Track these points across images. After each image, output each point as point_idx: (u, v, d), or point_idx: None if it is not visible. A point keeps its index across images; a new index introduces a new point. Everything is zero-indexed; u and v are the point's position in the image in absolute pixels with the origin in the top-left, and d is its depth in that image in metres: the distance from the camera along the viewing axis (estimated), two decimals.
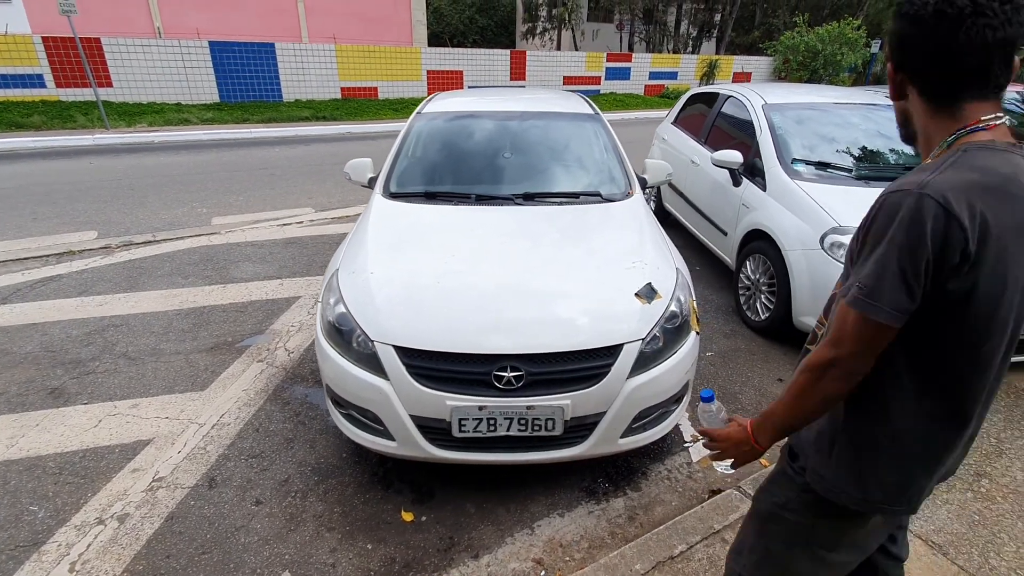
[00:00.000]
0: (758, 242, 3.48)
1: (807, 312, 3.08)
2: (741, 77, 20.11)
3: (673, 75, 19.12)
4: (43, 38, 10.90)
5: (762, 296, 3.47)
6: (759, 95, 4.08)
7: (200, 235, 5.29)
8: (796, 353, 3.33)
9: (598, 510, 2.15)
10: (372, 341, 1.99)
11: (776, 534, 1.18)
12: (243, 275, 4.39)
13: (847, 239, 2.90)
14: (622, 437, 2.04)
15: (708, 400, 1.22)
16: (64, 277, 4.30)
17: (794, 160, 3.52)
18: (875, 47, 18.26)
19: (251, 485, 2.28)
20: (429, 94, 15.46)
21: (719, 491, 2.17)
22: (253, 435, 2.58)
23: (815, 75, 17.29)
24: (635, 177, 3.08)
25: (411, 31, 19.30)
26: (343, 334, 2.10)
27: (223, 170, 7.92)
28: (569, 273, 2.20)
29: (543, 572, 1.90)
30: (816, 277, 3.00)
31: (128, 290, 4.09)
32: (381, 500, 2.21)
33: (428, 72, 15.32)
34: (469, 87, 15.90)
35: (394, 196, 2.92)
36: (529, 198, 2.82)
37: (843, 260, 2.70)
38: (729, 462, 1.18)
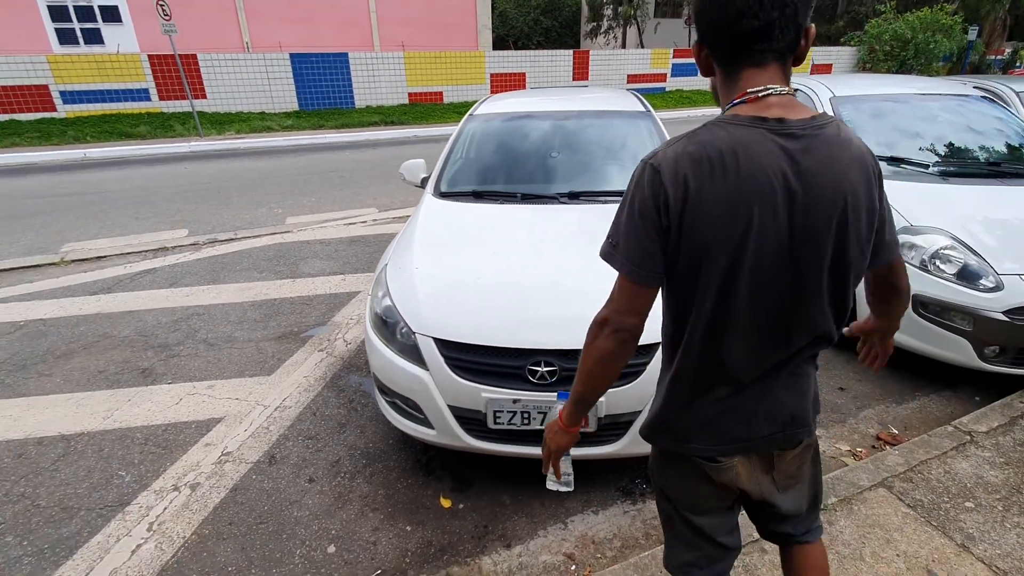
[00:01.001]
0: None
1: None
2: (820, 69, 18.90)
3: None
4: (149, 56, 12.10)
5: None
6: (827, 87, 3.85)
7: (275, 233, 5.69)
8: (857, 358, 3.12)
9: (633, 510, 2.14)
10: (414, 333, 2.09)
11: (657, 500, 1.31)
12: (311, 271, 4.69)
13: (920, 240, 2.69)
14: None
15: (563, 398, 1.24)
16: (159, 270, 4.77)
17: None
18: (972, 34, 16.59)
19: (306, 464, 2.45)
20: None
21: None
22: (310, 418, 2.77)
23: (904, 65, 15.96)
24: None
25: (476, 36, 19.68)
26: (388, 326, 2.22)
27: (298, 173, 8.46)
28: (609, 270, 2.19)
29: (574, 567, 1.92)
30: None
31: (211, 283, 4.48)
32: (422, 486, 2.31)
33: (492, 75, 15.56)
34: (532, 89, 16.01)
35: (444, 195, 3.02)
36: (574, 197, 2.83)
37: (915, 263, 2.54)
38: (559, 481, 1.31)
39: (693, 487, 1.18)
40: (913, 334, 2.73)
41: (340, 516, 2.16)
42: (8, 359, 3.35)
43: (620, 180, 2.97)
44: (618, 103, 3.54)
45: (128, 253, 5.22)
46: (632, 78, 16.96)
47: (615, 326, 1.04)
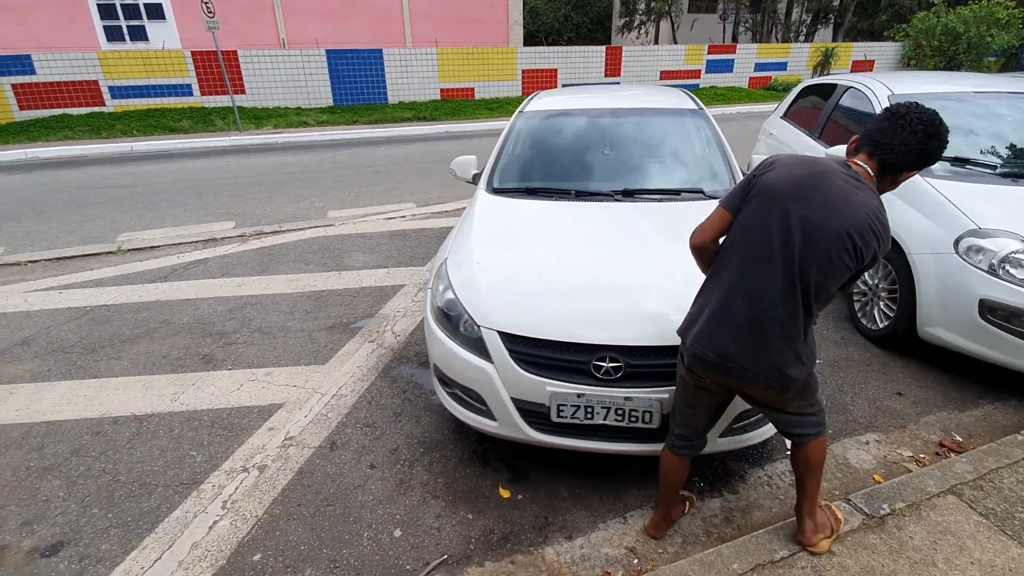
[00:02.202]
0: None
1: (936, 322, 2.82)
2: (861, 66, 18.36)
3: (782, 66, 17.88)
4: (192, 52, 12.44)
5: (880, 303, 3.22)
6: (884, 85, 3.76)
7: (318, 227, 5.81)
8: (918, 365, 3.07)
9: (693, 508, 2.15)
10: (478, 326, 2.14)
11: None
12: (355, 264, 4.79)
13: (988, 243, 2.62)
14: (721, 436, 2.02)
15: None
16: (209, 261, 4.94)
17: None
18: None
19: (366, 451, 2.52)
20: (524, 93, 15.83)
21: (825, 504, 2.08)
22: (366, 407, 2.84)
23: (953, 61, 15.39)
24: (740, 174, 2.99)
25: (507, 31, 19.67)
26: (451, 319, 2.26)
27: (335, 168, 8.61)
28: (669, 269, 2.20)
29: (636, 560, 1.94)
30: (948, 284, 2.74)
31: (260, 273, 4.62)
32: (480, 476, 2.36)
33: (523, 71, 15.55)
34: (563, 85, 15.93)
35: (497, 192, 3.06)
36: (628, 195, 2.84)
37: (983, 267, 2.48)
38: None
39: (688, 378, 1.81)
40: (979, 340, 2.66)
41: (403, 502, 2.22)
42: (78, 342, 3.52)
43: (675, 179, 2.97)
44: (670, 101, 3.53)
45: (180, 243, 5.41)
46: (665, 74, 16.75)
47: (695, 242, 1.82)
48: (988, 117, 3.39)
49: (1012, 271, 2.54)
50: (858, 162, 1.59)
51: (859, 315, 3.39)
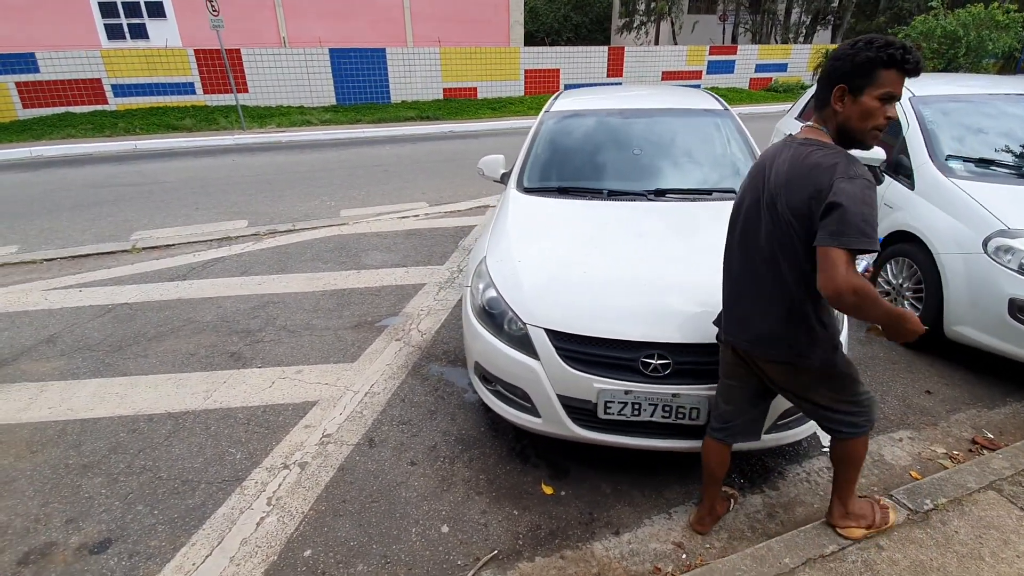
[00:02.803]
0: (902, 244, 3.27)
1: (963, 321, 2.87)
2: None
3: (782, 67, 17.99)
4: (195, 51, 12.40)
5: (905, 303, 3.26)
6: (906, 87, 3.80)
7: (332, 225, 5.82)
8: (944, 364, 3.12)
9: (736, 505, 2.17)
10: (524, 324, 2.16)
11: None
12: (373, 262, 4.80)
13: (1018, 243, 2.67)
14: (766, 433, 2.05)
15: None
16: (227, 259, 4.93)
17: (948, 157, 3.26)
18: None
19: (404, 448, 2.54)
20: (526, 94, 15.86)
21: (863, 496, 2.11)
22: (400, 405, 2.86)
23: (952, 64, 15.50)
24: None
25: (508, 31, 19.68)
26: (494, 316, 2.28)
27: (342, 167, 8.61)
28: (711, 266, 2.21)
29: (684, 555, 1.96)
30: (976, 283, 2.78)
31: (279, 272, 4.62)
32: (520, 472, 2.38)
33: (526, 71, 15.59)
34: (565, 85, 15.98)
35: (528, 191, 3.08)
36: (660, 194, 2.87)
37: (1013, 266, 2.52)
38: None
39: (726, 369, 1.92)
40: (1008, 339, 2.70)
41: (447, 498, 2.24)
42: (104, 340, 3.52)
43: (706, 178, 3.00)
44: (695, 101, 3.56)
45: (194, 242, 5.40)
46: (667, 75, 16.82)
47: None
48: (1011, 119, 3.43)
49: None
50: (808, 126, 1.61)
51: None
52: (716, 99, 3.62)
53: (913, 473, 2.32)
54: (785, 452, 2.43)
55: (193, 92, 12.68)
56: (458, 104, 14.60)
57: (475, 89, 15.32)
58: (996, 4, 15.16)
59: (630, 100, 3.67)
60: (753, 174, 1.72)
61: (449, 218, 6.02)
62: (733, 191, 2.86)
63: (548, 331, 2.10)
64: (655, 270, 2.27)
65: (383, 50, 14.25)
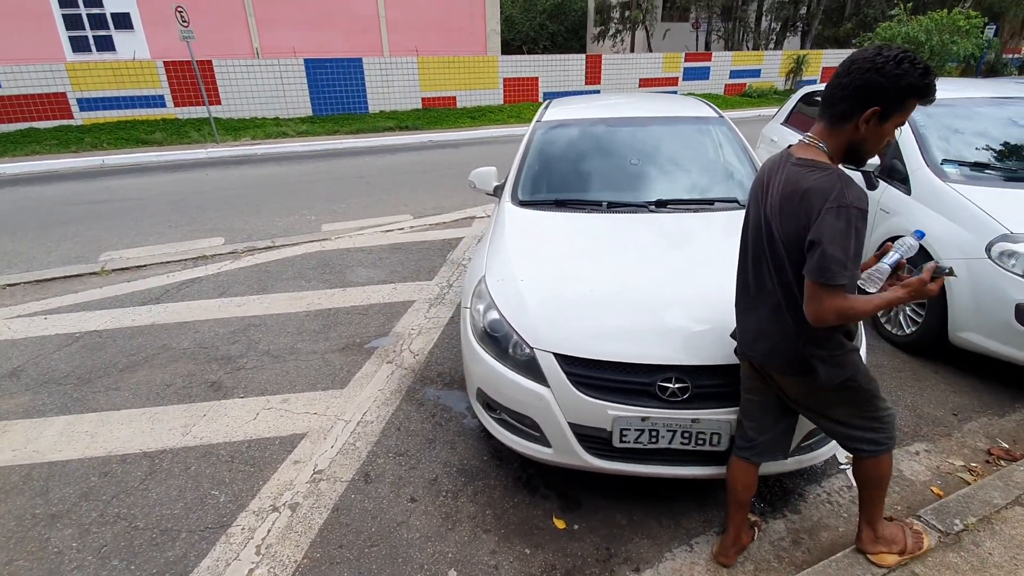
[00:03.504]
0: None
1: (969, 327, 2.83)
2: (831, 72, 18.83)
3: (756, 73, 18.31)
4: (164, 63, 12.05)
5: (906, 308, 3.23)
6: None
7: (313, 241, 5.62)
8: (949, 371, 3.08)
9: (760, 532, 2.07)
10: (531, 348, 2.03)
11: None
12: (359, 279, 4.62)
13: (1022, 247, 2.64)
14: (790, 455, 1.95)
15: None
16: (203, 280, 4.70)
17: (943, 161, 3.25)
18: (989, 33, 16.60)
19: (403, 482, 2.37)
20: (506, 102, 15.81)
21: (891, 519, 2.02)
22: (396, 434, 2.69)
23: None
24: None
25: (485, 40, 19.68)
26: (498, 340, 2.15)
27: (321, 180, 8.40)
28: (724, 282, 2.12)
29: None
30: (981, 289, 2.74)
31: (260, 292, 4.41)
32: (529, 505, 2.24)
33: (504, 80, 15.55)
34: (544, 93, 16.00)
35: (524, 204, 2.96)
36: (662, 205, 2.78)
37: (1017, 271, 2.48)
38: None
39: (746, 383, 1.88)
40: (1012, 343, 2.67)
41: (453, 538, 2.09)
42: (72, 372, 3.28)
43: (707, 188, 2.92)
44: (689, 108, 3.49)
45: (168, 262, 5.15)
46: (644, 82, 16.97)
47: None
48: (1003, 122, 3.45)
49: None
50: (806, 142, 1.54)
51: (883, 320, 3.39)
52: (710, 106, 3.57)
53: (935, 489, 2.25)
54: (803, 472, 2.34)
55: (163, 105, 12.32)
56: (437, 113, 14.47)
57: (454, 98, 15.23)
58: (958, 9, 15.68)
59: (623, 108, 3.59)
60: (755, 188, 1.69)
61: (435, 231, 5.87)
62: (736, 200, 2.79)
63: (557, 355, 1.98)
64: (666, 287, 2.16)
65: (359, 60, 14.07)
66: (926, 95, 1.39)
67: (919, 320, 3.11)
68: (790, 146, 1.61)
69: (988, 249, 2.74)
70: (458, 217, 6.30)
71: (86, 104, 11.58)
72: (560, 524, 2.14)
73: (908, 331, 3.19)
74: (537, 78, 15.83)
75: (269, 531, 2.13)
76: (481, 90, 15.40)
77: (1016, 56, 19.10)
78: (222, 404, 2.97)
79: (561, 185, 3.04)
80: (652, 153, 3.11)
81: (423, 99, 14.94)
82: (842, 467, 2.38)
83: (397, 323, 3.84)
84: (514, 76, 15.62)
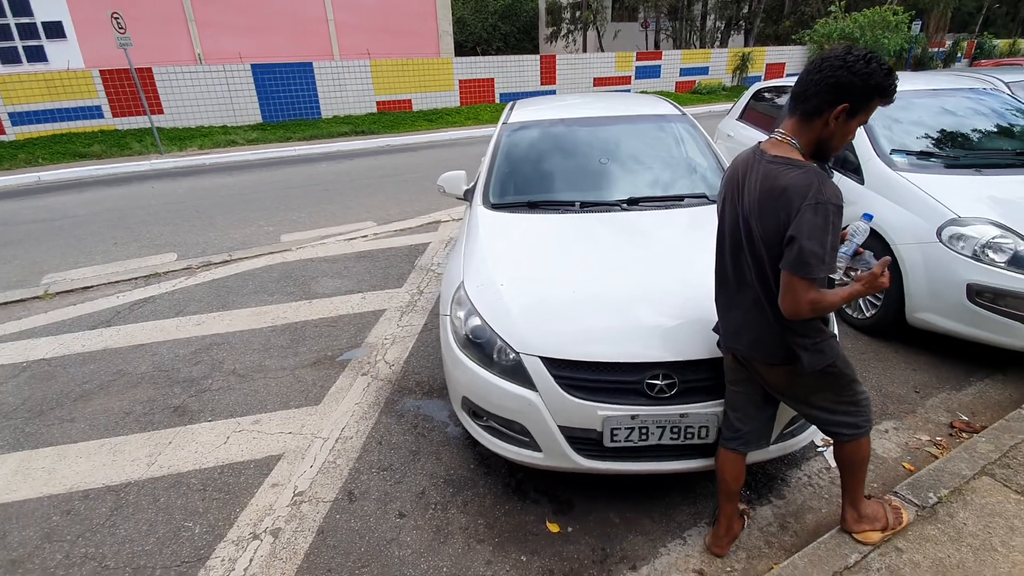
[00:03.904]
0: None
1: (924, 308, 2.98)
2: (774, 68, 19.71)
3: (704, 70, 18.87)
4: (100, 71, 11.42)
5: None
6: None
7: (273, 252, 5.43)
8: (908, 351, 3.23)
9: (748, 520, 2.11)
10: (517, 352, 2.00)
11: None
12: (325, 290, 4.49)
13: (969, 231, 2.80)
14: (773, 443, 2.00)
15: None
16: (157, 298, 4.46)
17: (893, 151, 3.41)
18: (916, 28, 17.65)
19: (389, 498, 2.31)
20: (462, 104, 15.73)
21: (870, 497, 2.10)
22: (377, 448, 2.62)
23: None
24: None
25: (438, 42, 19.55)
26: (482, 347, 2.11)
27: (277, 188, 8.14)
28: (703, 278, 2.15)
29: None
30: (934, 271, 2.89)
31: (220, 309, 4.22)
32: (521, 511, 2.22)
33: (460, 81, 15.48)
34: (501, 94, 16.01)
35: (496, 207, 2.93)
36: (633, 203, 2.80)
37: (967, 253, 2.63)
38: None
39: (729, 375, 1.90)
40: (967, 321, 2.83)
41: (446, 552, 2.04)
42: (22, 405, 3.04)
43: (676, 184, 2.97)
44: (652, 107, 3.55)
45: (117, 282, 4.87)
46: (598, 81, 17.22)
47: None
48: (943, 112, 3.65)
49: (993, 255, 2.72)
50: (778, 139, 1.57)
51: (844, 305, 3.53)
52: (672, 104, 3.63)
53: (906, 465, 2.35)
54: (784, 458, 2.40)
55: (101, 116, 11.67)
56: (393, 117, 14.27)
57: (409, 101, 15.05)
58: (886, 6, 16.60)
59: (588, 108, 3.61)
60: (728, 185, 1.71)
61: (400, 236, 5.77)
62: (704, 196, 2.84)
63: (544, 359, 1.96)
64: (646, 284, 2.18)
65: (310, 64, 13.72)
66: (887, 95, 1.45)
67: (878, 303, 3.26)
68: (760, 143, 1.64)
69: (939, 233, 2.89)
70: (424, 222, 6.21)
71: (18, 118, 10.85)
72: (554, 528, 2.12)
73: (868, 314, 3.34)
74: (493, 79, 15.83)
75: (251, 560, 2.03)
76: (437, 92, 15.28)
77: (940, 49, 20.38)
78: (188, 429, 2.81)
79: (532, 187, 3.03)
80: (620, 152, 3.13)
81: (378, 103, 14.71)
82: (819, 450, 2.46)
83: (369, 333, 3.75)
84: (469, 78, 15.57)
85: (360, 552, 2.05)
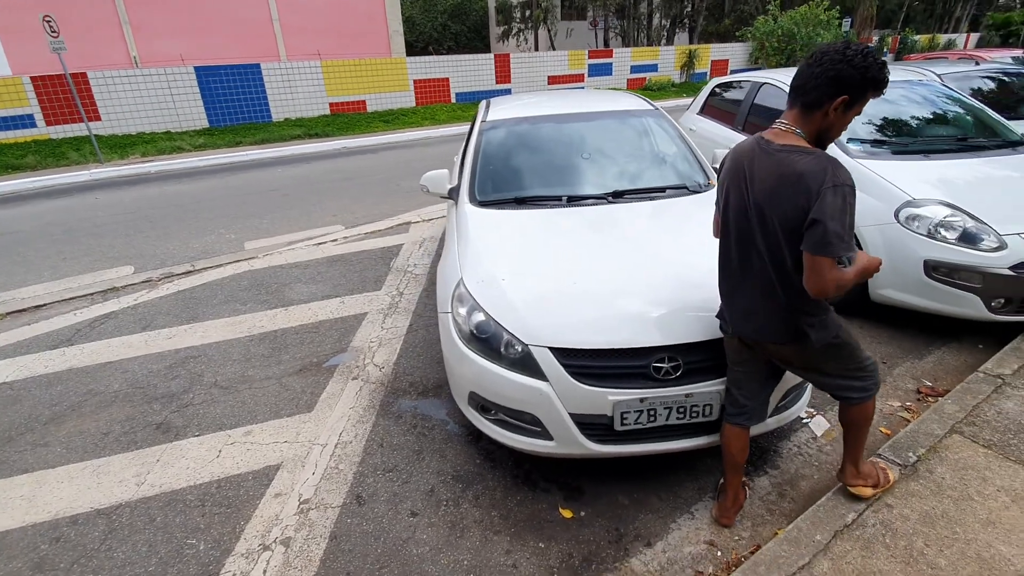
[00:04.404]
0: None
1: (886, 285, 3.20)
2: (719, 64, 20.47)
3: (654, 67, 19.39)
4: (32, 78, 10.69)
5: None
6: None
7: (239, 260, 5.25)
8: (874, 326, 3.46)
9: (749, 491, 2.22)
10: (525, 344, 2.04)
11: None
12: (300, 297, 4.38)
13: (925, 211, 3.03)
14: (770, 416, 2.12)
15: None
16: (119, 314, 4.25)
17: (849, 139, 3.64)
18: (846, 25, 18.73)
19: (399, 498, 2.30)
20: (417, 104, 15.59)
21: (877, 462, 2.23)
22: (379, 450, 2.60)
23: (791, 58, 17.68)
24: (710, 166, 3.17)
25: (389, 42, 19.29)
26: (488, 341, 2.14)
27: (233, 194, 7.86)
28: (695, 263, 2.26)
29: (719, 552, 1.97)
30: (894, 250, 3.12)
31: (190, 321, 4.06)
32: (532, 500, 2.26)
33: (415, 81, 15.33)
34: (456, 94, 15.96)
35: (483, 204, 2.96)
36: (619, 195, 2.89)
37: (922, 232, 2.84)
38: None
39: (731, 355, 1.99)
40: (925, 295, 3.06)
41: (464, 545, 2.06)
42: None
43: (657, 177, 3.07)
44: (625, 103, 3.65)
45: (71, 299, 4.60)
46: (552, 79, 17.41)
47: None
48: (888, 103, 3.92)
49: (946, 233, 2.96)
50: (782, 129, 1.65)
51: None
52: (645, 100, 3.75)
53: (883, 429, 2.53)
54: (775, 431, 2.54)
55: (33, 125, 10.93)
56: (348, 119, 13.98)
57: (364, 102, 14.79)
58: (816, 3, 17.53)
59: (563, 105, 3.68)
60: (732, 175, 1.77)
61: (372, 239, 5.69)
62: (685, 187, 2.96)
63: (553, 349, 2.01)
64: (644, 272, 2.26)
65: (258, 66, 13.27)
66: (880, 87, 1.56)
67: None
68: (762, 134, 1.73)
69: (896, 215, 3.11)
70: (393, 224, 6.14)
71: None
72: (567, 514, 2.17)
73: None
74: (448, 79, 15.75)
75: (265, 572, 1.98)
76: (391, 93, 15.08)
77: (869, 45, 21.70)
78: (176, 446, 2.71)
79: (518, 183, 3.07)
80: (601, 146, 3.22)
81: (331, 104, 14.38)
82: (804, 422, 2.61)
83: (354, 337, 3.69)
84: (424, 77, 15.44)
85: (377, 554, 2.04)
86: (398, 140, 12.20)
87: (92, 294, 4.66)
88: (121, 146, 11.12)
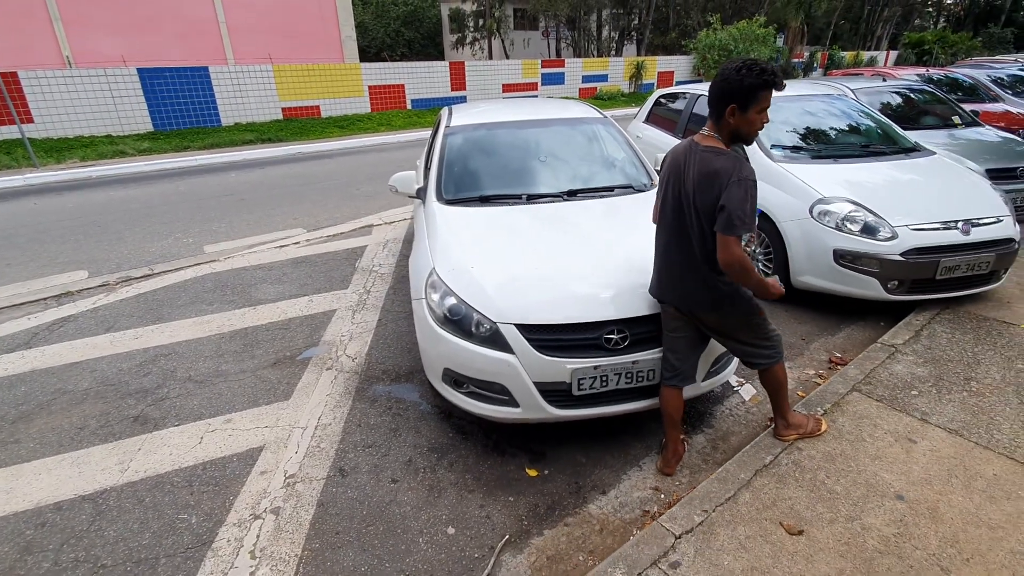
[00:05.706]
0: None
1: (804, 272, 3.67)
2: (665, 76, 21.49)
3: (604, 78, 20.14)
4: None
5: (759, 264, 4.04)
6: None
7: (199, 263, 5.27)
8: (796, 308, 3.92)
9: (688, 446, 2.56)
10: (494, 323, 2.31)
11: None
12: (267, 296, 4.48)
13: (833, 207, 3.51)
14: (704, 379, 2.47)
15: None
16: (78, 317, 4.23)
17: (772, 146, 4.12)
18: (780, 41, 20.12)
19: (380, 469, 2.51)
20: (373, 110, 15.62)
21: (812, 415, 2.61)
22: (358, 430, 2.80)
23: None
24: (653, 169, 3.54)
25: (341, 47, 19.18)
26: (460, 322, 2.40)
27: (186, 199, 7.75)
28: (640, 249, 2.59)
29: (662, 495, 2.29)
30: (810, 241, 3.58)
31: (155, 322, 4.10)
32: (502, 464, 2.52)
33: (370, 87, 15.37)
34: (412, 100, 16.10)
35: (450, 202, 3.21)
36: (572, 194, 3.21)
37: (831, 225, 3.31)
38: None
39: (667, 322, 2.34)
40: (835, 279, 3.54)
41: (442, 503, 2.30)
42: None
43: (607, 178, 3.42)
44: (578, 111, 4.00)
45: (22, 304, 4.51)
46: (507, 87, 17.81)
47: None
48: (805, 114, 4.45)
49: (850, 226, 3.44)
50: (705, 133, 2.05)
51: None
52: (594, 108, 4.11)
53: (800, 392, 2.95)
54: (709, 397, 2.91)
55: None
56: (301, 124, 13.87)
57: (318, 107, 14.70)
58: (754, 19, 18.75)
59: (520, 112, 3.99)
60: (672, 170, 2.15)
61: (335, 241, 5.82)
62: (630, 187, 3.32)
63: (519, 326, 2.28)
64: (595, 259, 2.58)
65: (205, 68, 12.99)
66: (768, 87, 1.91)
67: (768, 271, 3.93)
68: (693, 137, 2.10)
69: (810, 210, 3.58)
70: (356, 226, 6.28)
71: None
72: (532, 473, 2.45)
73: None
74: (403, 85, 15.87)
75: (259, 536, 2.16)
76: (346, 99, 15.06)
77: (800, 60, 23.36)
78: (156, 436, 2.81)
79: (482, 183, 3.34)
80: (557, 150, 3.54)
81: (283, 109, 14.22)
82: (735, 389, 3.00)
83: (324, 332, 3.85)
84: (380, 84, 15.50)
85: (363, 515, 2.25)
86: (355, 145, 12.23)
87: (45, 299, 4.59)
88: (58, 149, 10.66)
